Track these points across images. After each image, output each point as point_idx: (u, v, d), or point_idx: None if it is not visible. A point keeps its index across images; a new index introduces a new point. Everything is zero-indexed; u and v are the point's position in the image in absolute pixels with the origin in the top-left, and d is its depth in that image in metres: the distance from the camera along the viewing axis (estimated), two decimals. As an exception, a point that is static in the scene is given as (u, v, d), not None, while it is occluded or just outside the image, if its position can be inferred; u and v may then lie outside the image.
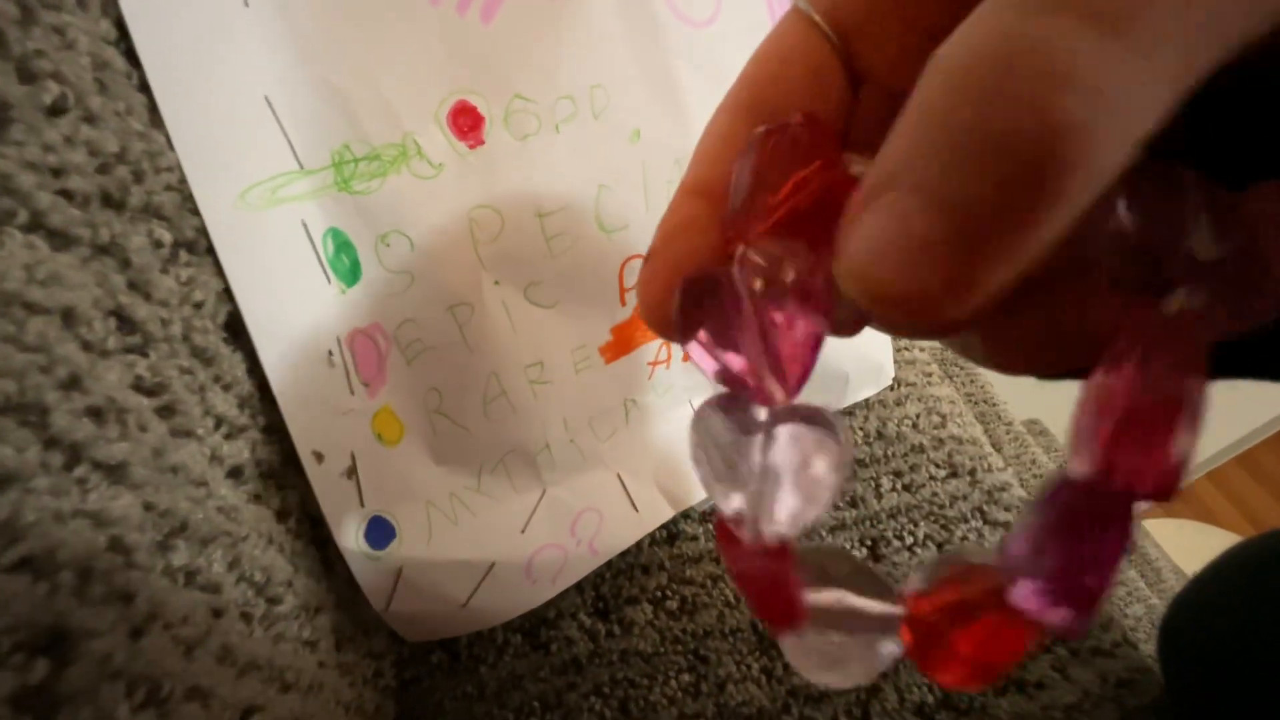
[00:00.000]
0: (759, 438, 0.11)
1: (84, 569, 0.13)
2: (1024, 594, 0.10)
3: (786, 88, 0.12)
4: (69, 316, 0.13)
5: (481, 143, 0.21)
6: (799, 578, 0.12)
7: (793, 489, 0.11)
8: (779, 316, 0.10)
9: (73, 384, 0.13)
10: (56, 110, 0.14)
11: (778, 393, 0.11)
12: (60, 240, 0.14)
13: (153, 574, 0.15)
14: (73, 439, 0.13)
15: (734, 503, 0.11)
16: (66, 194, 0.14)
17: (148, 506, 0.15)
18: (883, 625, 0.12)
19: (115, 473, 0.14)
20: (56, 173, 0.14)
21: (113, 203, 0.15)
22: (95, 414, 0.14)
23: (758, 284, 0.10)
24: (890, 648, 0.12)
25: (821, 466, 0.11)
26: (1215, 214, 0.09)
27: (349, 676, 0.26)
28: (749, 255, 0.11)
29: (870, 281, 0.08)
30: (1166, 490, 0.09)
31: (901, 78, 0.11)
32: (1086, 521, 0.09)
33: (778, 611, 0.12)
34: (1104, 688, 0.32)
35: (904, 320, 0.08)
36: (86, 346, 0.14)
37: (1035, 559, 0.10)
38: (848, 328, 0.12)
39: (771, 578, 0.12)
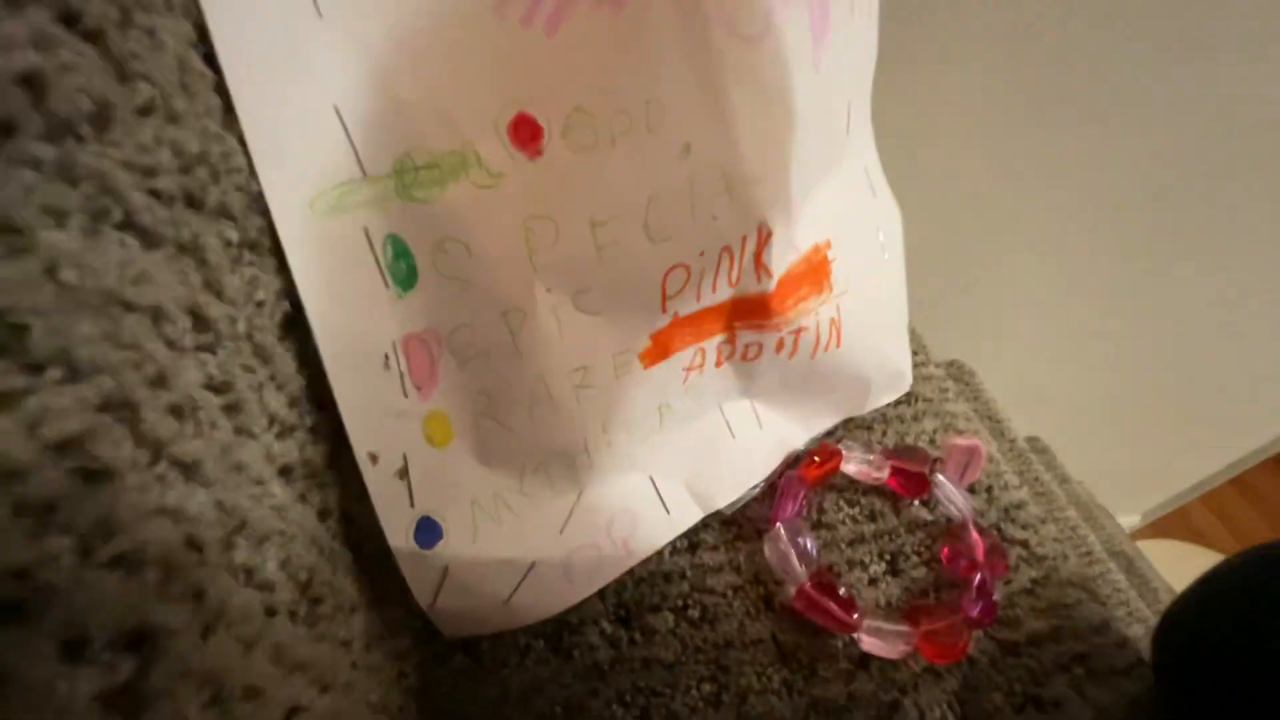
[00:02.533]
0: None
1: (166, 566, 0.13)
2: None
3: None
4: (157, 315, 0.14)
5: (540, 154, 0.21)
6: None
7: None
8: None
9: (159, 382, 0.13)
10: (145, 111, 0.14)
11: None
12: (149, 239, 0.14)
13: (220, 572, 0.15)
14: (156, 436, 0.13)
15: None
16: (155, 194, 0.14)
17: (217, 504, 0.15)
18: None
19: (191, 470, 0.14)
20: (147, 173, 0.14)
21: (194, 202, 0.15)
22: (176, 411, 0.14)
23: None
24: None
25: None
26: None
27: (376, 676, 0.26)
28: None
29: None
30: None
31: None
32: None
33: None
34: (1120, 708, 0.32)
35: None
36: (170, 344, 0.14)
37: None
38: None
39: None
